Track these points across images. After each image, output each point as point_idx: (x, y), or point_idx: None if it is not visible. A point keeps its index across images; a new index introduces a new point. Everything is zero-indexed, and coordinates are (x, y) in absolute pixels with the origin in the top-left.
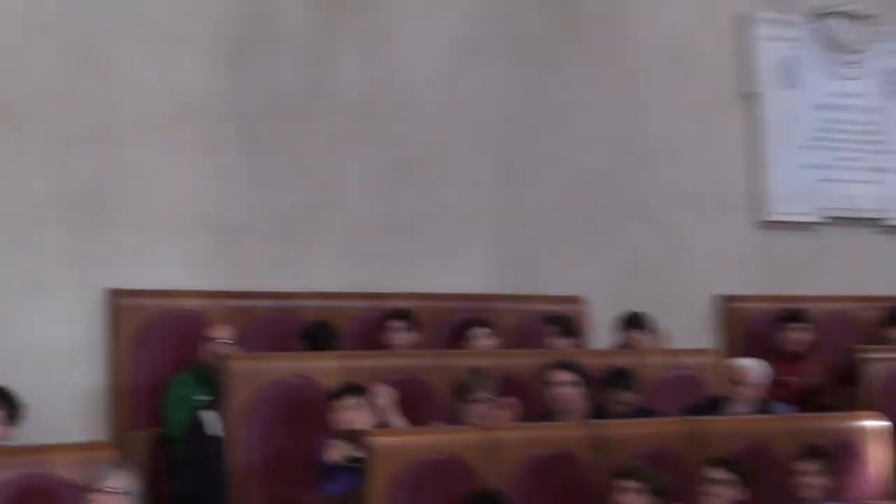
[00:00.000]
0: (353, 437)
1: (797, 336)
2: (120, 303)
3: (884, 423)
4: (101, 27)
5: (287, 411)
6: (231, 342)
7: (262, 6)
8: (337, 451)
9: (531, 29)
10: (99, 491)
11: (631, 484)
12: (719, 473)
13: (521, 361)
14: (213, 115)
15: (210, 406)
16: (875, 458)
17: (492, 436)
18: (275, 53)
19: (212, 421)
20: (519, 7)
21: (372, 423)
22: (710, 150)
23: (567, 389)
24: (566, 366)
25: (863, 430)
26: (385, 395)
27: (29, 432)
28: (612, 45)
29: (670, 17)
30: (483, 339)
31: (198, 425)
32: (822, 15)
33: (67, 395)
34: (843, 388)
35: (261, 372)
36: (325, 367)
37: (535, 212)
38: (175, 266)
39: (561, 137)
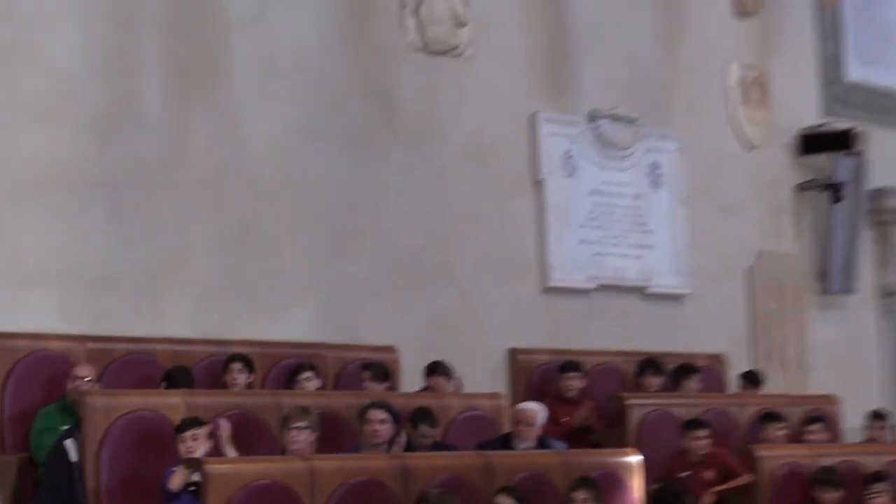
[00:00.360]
0: (193, 464)
1: (572, 383)
2: None
3: (639, 458)
4: None
5: (138, 441)
6: (92, 380)
7: (125, 89)
8: (180, 477)
9: (356, 119)
10: None
11: None
12: (506, 499)
13: (342, 401)
14: (80, 183)
15: (72, 435)
16: (634, 487)
17: (313, 464)
18: (136, 131)
19: (72, 448)
20: (345, 100)
21: (210, 452)
22: (505, 226)
23: (379, 426)
24: (379, 406)
25: (625, 463)
26: (223, 428)
27: None
28: (424, 135)
29: (471, 113)
30: (310, 381)
31: (60, 452)
32: (595, 117)
33: None
34: (609, 428)
35: (116, 406)
36: (171, 403)
37: (357, 274)
38: (44, 313)
39: (379, 212)
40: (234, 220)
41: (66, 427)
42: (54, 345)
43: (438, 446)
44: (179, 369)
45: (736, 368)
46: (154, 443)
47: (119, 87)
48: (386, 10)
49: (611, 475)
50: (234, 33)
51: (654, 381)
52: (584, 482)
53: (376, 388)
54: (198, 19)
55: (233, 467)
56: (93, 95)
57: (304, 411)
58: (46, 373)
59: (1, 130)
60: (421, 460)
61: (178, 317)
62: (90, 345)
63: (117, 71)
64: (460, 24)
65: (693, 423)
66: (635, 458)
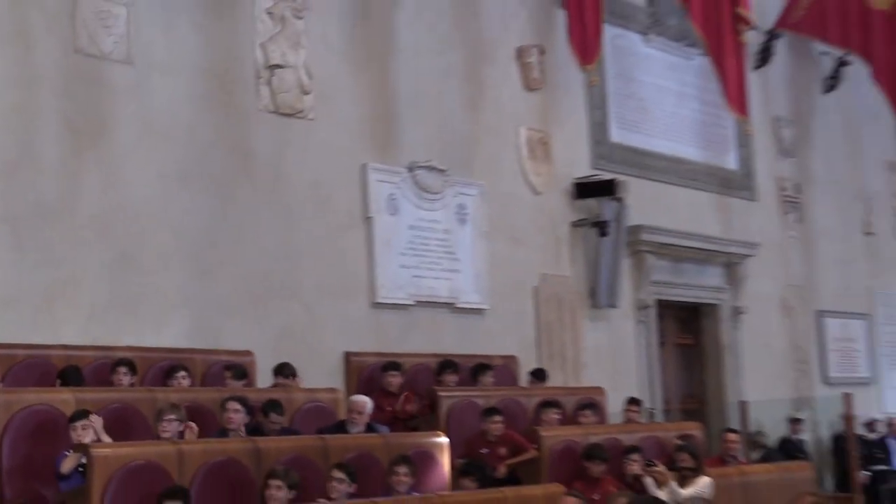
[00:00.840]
0: (82, 449)
1: (393, 380)
2: None
3: (446, 439)
4: None
5: (34, 431)
6: None
7: (28, 140)
8: (71, 460)
9: (218, 168)
10: None
11: (276, 482)
12: (338, 473)
13: (208, 396)
14: None
15: None
16: (444, 462)
17: (181, 448)
18: (36, 175)
19: None
20: (210, 150)
21: (94, 439)
22: (341, 254)
23: (237, 415)
24: (235, 399)
25: (436, 443)
26: (96, 421)
27: None
28: (276, 182)
29: (314, 164)
30: (182, 380)
31: None
32: (413, 167)
33: None
34: (424, 415)
35: (16, 402)
36: (63, 398)
37: (221, 293)
38: None
39: (238, 243)
40: (119, 249)
41: None
42: None
43: (285, 431)
44: (71, 369)
45: (525, 367)
46: (48, 433)
47: (22, 138)
48: (245, 79)
49: (425, 453)
50: (119, 96)
51: (451, 378)
52: (404, 459)
53: (235, 385)
54: (90, 84)
55: (114, 451)
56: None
57: (174, 407)
58: None
59: None
60: (271, 443)
61: (71, 328)
62: None
63: (21, 124)
64: (305, 92)
65: (490, 411)
66: (444, 440)
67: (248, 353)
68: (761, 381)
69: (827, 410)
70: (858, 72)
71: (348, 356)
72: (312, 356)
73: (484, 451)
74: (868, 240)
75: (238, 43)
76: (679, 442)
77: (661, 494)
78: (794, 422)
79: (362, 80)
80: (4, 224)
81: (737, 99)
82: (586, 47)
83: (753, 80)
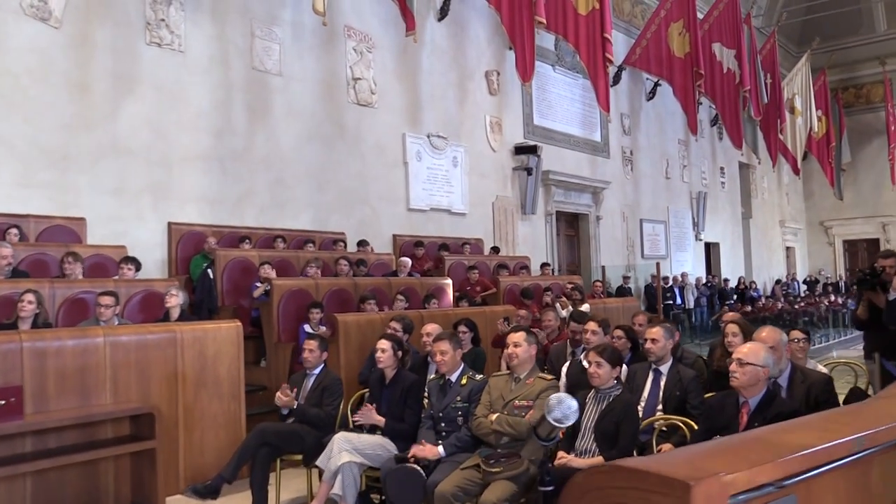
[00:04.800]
0: (267, 281)
1: (419, 251)
2: None
3: (449, 281)
4: None
5: (236, 270)
6: None
7: (226, 114)
8: (260, 289)
9: (327, 132)
10: None
11: (394, 324)
12: (399, 296)
13: (328, 255)
14: None
15: None
16: (449, 294)
17: (317, 282)
18: (231, 133)
19: None
20: (322, 123)
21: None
22: (392, 181)
23: (344, 266)
24: (344, 258)
25: (445, 283)
26: (270, 269)
27: None
28: (356, 140)
29: (378, 131)
30: (312, 246)
31: None
32: (429, 135)
33: None
34: (436, 269)
35: (225, 255)
36: (251, 254)
37: (328, 200)
38: None
39: (337, 173)
40: (274, 175)
41: None
42: None
43: (367, 275)
44: (251, 239)
45: (487, 245)
46: (244, 270)
47: (224, 115)
48: (341, 85)
49: (439, 288)
50: (274, 93)
51: (446, 251)
52: (432, 294)
53: (340, 250)
54: (259, 86)
55: (283, 282)
56: None
57: (316, 259)
58: None
59: None
60: (360, 280)
61: (250, 217)
62: None
63: (224, 108)
64: (372, 93)
65: (471, 267)
66: (448, 281)
67: (342, 233)
68: (609, 256)
69: (643, 272)
70: (665, 90)
71: (395, 237)
72: (376, 236)
73: (468, 288)
74: (667, 181)
75: (338, 65)
76: (572, 284)
77: (563, 312)
78: (626, 278)
79: (403, 87)
80: (216, 161)
81: (604, 102)
82: (526, 71)
83: (611, 92)
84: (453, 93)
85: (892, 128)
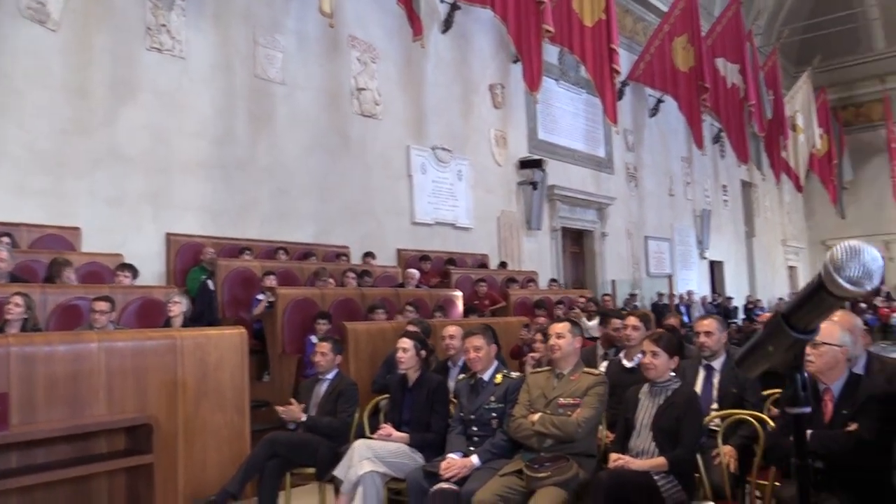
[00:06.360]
0: (271, 291)
1: (425, 265)
2: None
3: (459, 293)
4: None
5: (237, 280)
6: None
7: (229, 122)
8: (262, 303)
9: (331, 143)
10: None
11: (411, 326)
12: (409, 307)
13: (333, 266)
14: None
15: None
16: (459, 305)
17: (323, 292)
18: (234, 142)
19: None
20: (326, 133)
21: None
22: (396, 193)
23: (352, 279)
24: (352, 269)
25: (454, 295)
26: (271, 279)
27: None
28: (361, 151)
29: (382, 142)
30: (315, 258)
31: None
32: (434, 148)
33: None
34: (444, 282)
35: (226, 265)
36: (252, 264)
37: (331, 212)
38: None
39: (341, 185)
40: (277, 185)
41: None
42: None
43: (373, 286)
44: (250, 251)
45: (494, 261)
46: (245, 281)
47: (227, 123)
48: (345, 95)
49: (449, 300)
50: (277, 101)
51: (451, 266)
52: (441, 306)
53: (343, 264)
54: (262, 94)
55: (288, 291)
56: None
57: (323, 269)
58: None
59: None
60: (367, 290)
61: (252, 229)
62: None
63: (227, 116)
64: (377, 104)
65: (479, 280)
66: (458, 293)
67: (345, 247)
68: (615, 273)
69: (649, 290)
70: (670, 105)
71: (399, 251)
72: (381, 249)
73: (476, 302)
74: (670, 198)
75: (342, 75)
76: (585, 298)
77: (589, 323)
78: (633, 296)
79: (407, 98)
80: (219, 169)
81: (611, 114)
82: (533, 81)
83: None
84: (458, 105)
85: (893, 145)
